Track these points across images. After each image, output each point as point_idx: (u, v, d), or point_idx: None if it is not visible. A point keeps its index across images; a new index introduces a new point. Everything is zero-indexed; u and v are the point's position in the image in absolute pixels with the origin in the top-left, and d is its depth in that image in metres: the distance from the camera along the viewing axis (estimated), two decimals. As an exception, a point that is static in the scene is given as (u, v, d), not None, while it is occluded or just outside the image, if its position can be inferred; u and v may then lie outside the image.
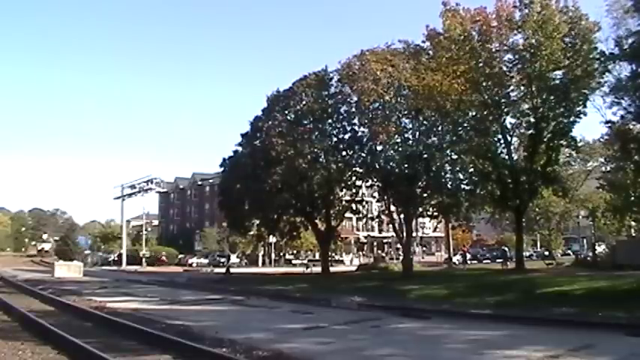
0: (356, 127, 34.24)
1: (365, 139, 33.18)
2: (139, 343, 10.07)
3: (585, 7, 29.56)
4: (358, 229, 72.58)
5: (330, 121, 34.86)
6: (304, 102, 34.86)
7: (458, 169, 32.11)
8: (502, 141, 33.20)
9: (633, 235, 44.84)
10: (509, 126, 33.35)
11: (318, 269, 40.00)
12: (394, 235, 39.49)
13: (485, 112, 32.20)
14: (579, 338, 10.39)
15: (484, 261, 53.43)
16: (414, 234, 39.94)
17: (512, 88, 32.47)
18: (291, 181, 33.06)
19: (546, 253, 57.69)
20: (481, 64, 30.58)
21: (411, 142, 31.38)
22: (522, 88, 32.30)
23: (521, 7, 29.82)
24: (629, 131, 26.10)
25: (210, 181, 73.84)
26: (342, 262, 59.26)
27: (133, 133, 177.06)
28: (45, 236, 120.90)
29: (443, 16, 30.31)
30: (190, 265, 60.52)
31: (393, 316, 14.78)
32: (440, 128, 31.48)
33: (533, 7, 29.51)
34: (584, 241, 64.15)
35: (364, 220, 48.86)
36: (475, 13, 30.04)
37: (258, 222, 38.78)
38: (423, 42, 31.46)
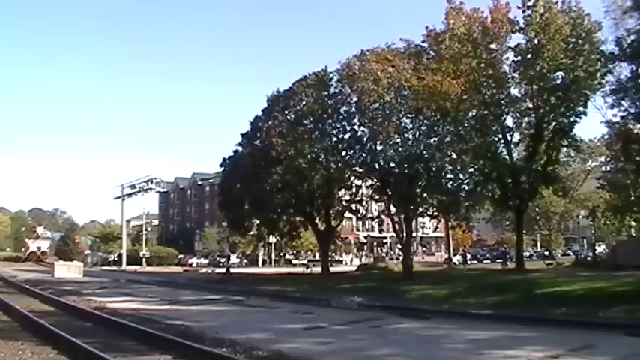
0: (356, 127, 34.20)
1: (365, 139, 33.16)
2: (139, 343, 10.07)
3: (584, 8, 29.58)
4: (358, 229, 72.59)
5: (330, 121, 34.81)
6: (304, 102, 34.81)
7: (458, 169, 32.10)
8: (502, 141, 33.26)
9: (633, 235, 44.87)
10: (509, 125, 33.42)
11: (318, 269, 39.99)
12: (394, 235, 39.45)
13: (485, 112, 32.26)
14: (579, 338, 10.39)
15: (484, 261, 53.49)
16: (414, 234, 39.89)
17: (512, 87, 32.54)
18: (291, 181, 33.05)
19: (546, 253, 57.74)
20: (482, 64, 30.63)
21: (411, 142, 31.32)
22: (523, 88, 32.36)
23: (524, 8, 29.87)
24: (630, 131, 26.13)
25: (210, 181, 73.89)
26: (342, 262, 59.26)
27: (133, 133, 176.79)
28: (40, 230, 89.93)
29: (447, 14, 30.38)
30: (190, 265, 60.54)
31: (393, 316, 14.77)
32: (440, 128, 31.45)
33: (536, 10, 29.57)
34: (584, 241, 64.23)
35: (364, 220, 48.86)
36: (479, 13, 30.14)
37: (258, 222, 38.76)
38: (423, 42, 31.54)
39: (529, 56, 30.58)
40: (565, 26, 29.36)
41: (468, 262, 47.52)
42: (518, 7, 30.00)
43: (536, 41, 29.99)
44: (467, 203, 32.82)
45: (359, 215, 41.84)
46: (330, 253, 45.26)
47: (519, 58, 30.94)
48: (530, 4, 29.74)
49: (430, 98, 28.58)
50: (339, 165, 34.67)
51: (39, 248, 77.80)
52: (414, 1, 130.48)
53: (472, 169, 33.30)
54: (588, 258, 40.52)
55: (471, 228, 54.82)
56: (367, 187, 37.39)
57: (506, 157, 33.20)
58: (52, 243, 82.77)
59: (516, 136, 34.50)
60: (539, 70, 30.18)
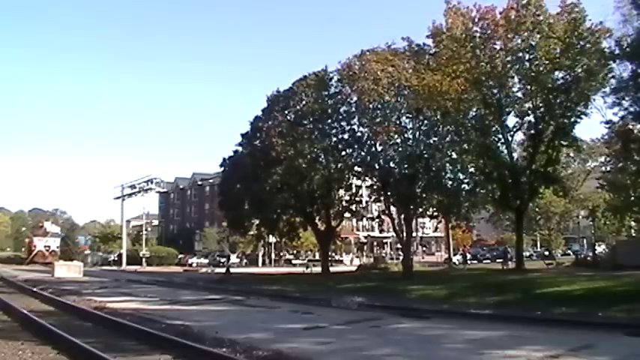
0: (355, 127, 34.26)
1: (365, 139, 33.19)
2: (139, 343, 10.06)
3: (591, 4, 29.41)
4: (358, 229, 72.56)
5: (329, 121, 34.85)
6: (304, 102, 34.85)
7: (458, 168, 32.13)
8: (502, 140, 33.27)
9: (633, 235, 44.88)
10: (509, 125, 33.46)
11: (318, 269, 39.99)
12: (394, 235, 39.47)
13: (486, 112, 32.28)
14: (579, 338, 10.38)
15: (484, 261, 53.46)
16: (414, 234, 39.90)
17: (512, 87, 32.56)
18: (291, 181, 33.07)
19: (546, 253, 57.78)
20: (482, 63, 30.65)
21: (411, 142, 31.36)
22: (522, 87, 32.39)
23: (518, 8, 29.94)
24: (630, 131, 26.11)
25: (210, 181, 73.90)
26: (342, 262, 59.25)
27: (133, 133, 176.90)
28: (48, 225, 76.98)
29: (446, 14, 30.43)
30: (190, 265, 60.53)
31: (393, 316, 14.76)
32: (440, 128, 31.48)
33: (529, 9, 29.63)
34: (584, 241, 64.29)
35: (363, 220, 48.88)
36: (484, 12, 30.12)
37: (258, 222, 38.77)
38: (427, 37, 31.47)
39: (527, 56, 30.62)
40: (561, 26, 29.40)
41: (468, 262, 47.52)
42: (512, 8, 30.06)
43: (532, 41, 30.03)
44: (467, 203, 32.85)
45: (359, 215, 41.85)
46: (330, 253, 45.25)
47: (518, 57, 30.96)
48: (524, 2, 29.78)
49: (430, 98, 28.60)
50: (339, 165, 34.70)
51: (47, 248, 65.68)
52: (414, 1, 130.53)
53: (472, 169, 33.34)
54: (588, 258, 40.52)
55: (471, 228, 54.90)
56: (367, 187, 37.39)
57: (507, 157, 33.22)
58: (59, 243, 69.90)
59: (517, 136, 34.59)
60: (538, 70, 30.22)
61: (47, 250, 65.17)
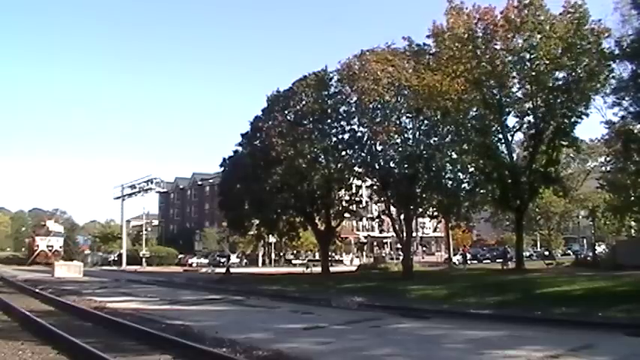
0: (356, 127, 34.27)
1: (365, 139, 33.21)
2: (139, 343, 10.06)
3: (591, 4, 29.46)
4: (358, 229, 72.56)
5: (329, 121, 34.87)
6: (304, 102, 34.87)
7: (458, 168, 32.15)
8: (503, 140, 33.30)
9: (633, 235, 44.89)
10: (510, 125, 33.49)
11: (318, 269, 40.01)
12: (394, 235, 39.47)
13: (486, 112, 32.30)
14: (579, 338, 10.38)
15: (484, 261, 53.48)
16: (414, 234, 39.90)
17: (513, 87, 32.58)
18: (291, 181, 33.08)
19: (546, 253, 57.78)
20: (483, 63, 30.67)
21: (411, 142, 31.37)
22: (523, 87, 32.42)
23: (521, 7, 29.98)
24: (630, 131, 26.14)
25: (210, 181, 73.96)
26: (342, 262, 59.26)
27: (133, 133, 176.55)
28: (50, 224, 72.89)
29: (447, 14, 30.46)
30: (190, 265, 60.53)
31: (393, 316, 14.75)
32: (440, 128, 31.49)
33: (530, 9, 29.67)
34: (584, 241, 64.32)
35: (363, 220, 48.88)
36: (483, 12, 30.13)
37: (258, 222, 38.78)
38: (428, 37, 31.49)
39: (528, 56, 30.65)
40: (562, 25, 29.42)
41: (468, 262, 47.53)
42: (515, 7, 30.10)
43: (533, 41, 30.05)
44: (467, 203, 32.86)
45: (359, 215, 41.85)
46: (330, 253, 45.26)
47: (519, 57, 30.99)
48: (527, 2, 29.81)
49: (430, 98, 28.62)
50: (339, 165, 34.72)
51: (50, 248, 63.49)
52: (414, 1, 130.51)
53: (472, 169, 33.35)
54: (588, 258, 40.54)
55: (471, 228, 54.93)
56: (367, 187, 37.40)
57: (507, 157, 33.25)
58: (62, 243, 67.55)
59: (517, 136, 34.62)
60: (538, 70, 30.25)
61: (50, 250, 63.16)
